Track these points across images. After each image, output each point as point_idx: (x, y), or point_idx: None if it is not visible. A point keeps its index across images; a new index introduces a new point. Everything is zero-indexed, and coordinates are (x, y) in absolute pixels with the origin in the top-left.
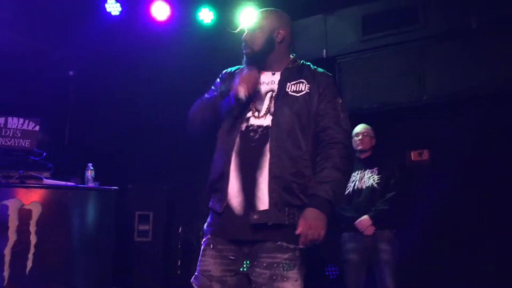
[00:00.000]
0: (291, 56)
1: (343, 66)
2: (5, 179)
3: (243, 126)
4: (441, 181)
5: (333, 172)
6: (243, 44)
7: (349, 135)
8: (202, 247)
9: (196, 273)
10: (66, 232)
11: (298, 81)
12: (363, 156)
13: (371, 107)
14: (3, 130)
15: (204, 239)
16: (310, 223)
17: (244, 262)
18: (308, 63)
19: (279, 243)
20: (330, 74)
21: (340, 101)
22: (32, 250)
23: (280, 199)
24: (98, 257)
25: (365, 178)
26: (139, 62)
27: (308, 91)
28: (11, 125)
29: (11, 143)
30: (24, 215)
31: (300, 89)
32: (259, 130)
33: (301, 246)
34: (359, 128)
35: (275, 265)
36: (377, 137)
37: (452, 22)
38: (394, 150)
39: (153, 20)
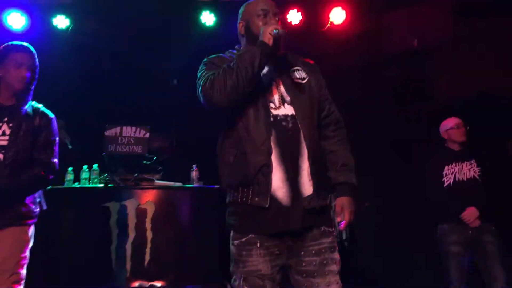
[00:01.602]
0: None
1: (434, 57)
2: (122, 182)
3: (270, 115)
4: None
5: (351, 157)
6: (278, 29)
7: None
8: (242, 247)
9: (243, 276)
10: (177, 228)
11: (295, 68)
12: (459, 148)
13: (467, 96)
14: (119, 138)
15: (243, 239)
16: (351, 211)
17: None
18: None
19: (322, 228)
20: (312, 60)
21: (324, 81)
22: (149, 245)
23: (319, 182)
24: (206, 250)
25: (464, 170)
26: None
27: (308, 77)
28: (126, 134)
29: (126, 150)
30: (141, 213)
31: (302, 77)
32: (288, 119)
33: (342, 229)
34: (457, 120)
35: (323, 250)
36: (474, 127)
37: None
38: (492, 140)
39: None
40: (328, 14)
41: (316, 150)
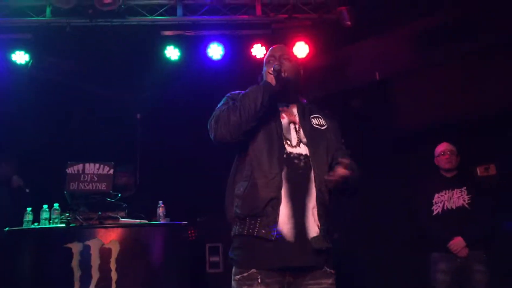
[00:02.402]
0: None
1: (397, 86)
2: (85, 221)
3: (284, 152)
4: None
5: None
6: (277, 70)
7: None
8: (243, 282)
9: None
10: (144, 267)
11: (315, 115)
12: (449, 175)
13: (429, 124)
14: (82, 175)
15: (245, 274)
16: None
17: None
18: (312, 104)
19: (324, 269)
20: (335, 116)
21: (343, 140)
22: (113, 286)
23: (325, 225)
24: None
25: (454, 198)
26: (200, 99)
27: (327, 126)
28: (89, 171)
29: (89, 187)
30: (105, 253)
31: (321, 123)
32: (301, 157)
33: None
34: (444, 146)
35: None
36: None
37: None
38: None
39: (209, 60)
40: (292, 48)
41: (324, 193)
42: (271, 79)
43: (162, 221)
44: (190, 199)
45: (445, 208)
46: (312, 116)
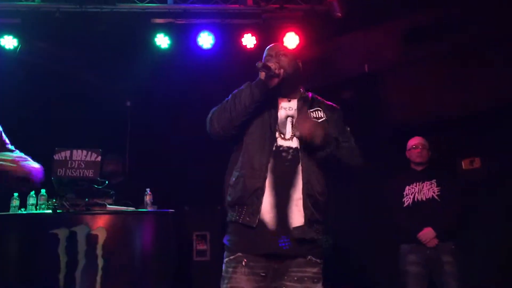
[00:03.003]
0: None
1: (385, 80)
2: (72, 207)
3: (274, 145)
4: (494, 189)
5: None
6: (272, 65)
7: (361, 155)
8: (229, 264)
9: None
10: (130, 254)
11: (315, 109)
12: (420, 168)
13: (416, 119)
14: (69, 162)
15: (231, 256)
16: (310, 127)
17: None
18: (315, 95)
19: (309, 257)
20: (338, 107)
21: (348, 129)
22: (100, 272)
23: (312, 216)
24: (161, 276)
25: (424, 190)
26: (190, 88)
27: (325, 118)
28: (76, 157)
29: (77, 174)
30: (91, 240)
31: (319, 116)
32: (290, 151)
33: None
34: (416, 140)
35: (306, 278)
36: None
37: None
38: (443, 160)
39: (199, 48)
40: (282, 39)
41: (314, 185)
42: (262, 76)
43: (149, 208)
44: (178, 188)
45: (415, 199)
46: (311, 109)
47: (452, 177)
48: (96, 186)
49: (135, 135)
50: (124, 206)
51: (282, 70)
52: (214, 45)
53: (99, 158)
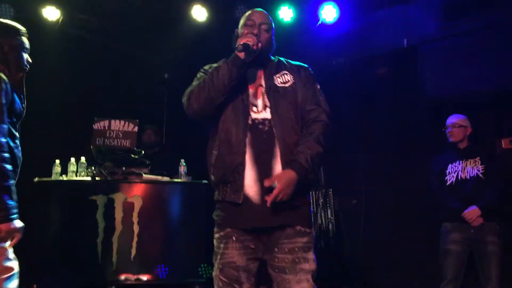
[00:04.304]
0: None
1: (425, 55)
2: (110, 175)
3: (249, 119)
4: None
5: (314, 144)
6: (251, 41)
7: (330, 114)
8: (220, 240)
9: (219, 266)
10: (164, 222)
11: (282, 73)
12: (461, 146)
13: (455, 95)
14: (107, 132)
15: (222, 233)
16: (288, 183)
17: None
18: (282, 58)
19: (298, 228)
20: (306, 65)
21: (318, 86)
22: (135, 239)
23: None
24: (193, 245)
25: (468, 168)
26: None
27: (293, 81)
28: (114, 127)
29: (114, 143)
30: (128, 207)
31: (286, 80)
32: (266, 122)
33: (269, 200)
34: (453, 119)
35: (296, 248)
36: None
37: None
38: (482, 138)
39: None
40: (320, 12)
41: (290, 152)
42: (241, 55)
43: (183, 179)
44: None
45: (459, 178)
46: (277, 74)
47: (495, 155)
48: (132, 155)
49: (172, 107)
50: (159, 176)
51: (259, 45)
52: None
53: (136, 129)
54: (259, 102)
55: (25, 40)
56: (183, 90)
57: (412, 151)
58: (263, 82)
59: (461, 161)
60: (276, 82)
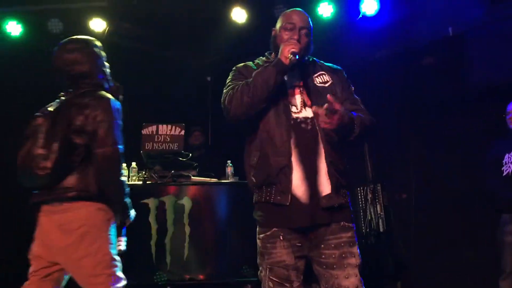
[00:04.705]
0: None
1: (472, 42)
2: (160, 179)
3: (290, 119)
4: None
5: (367, 116)
6: (296, 49)
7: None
8: (267, 240)
9: (268, 266)
10: (214, 222)
11: (320, 73)
12: None
13: (505, 82)
14: (156, 136)
15: (268, 232)
16: (345, 112)
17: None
18: (315, 58)
19: (342, 223)
20: (340, 68)
21: (353, 88)
22: (187, 239)
23: (338, 182)
24: (244, 245)
25: None
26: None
27: (332, 81)
28: (162, 132)
29: (163, 147)
30: (179, 209)
31: (325, 80)
32: (308, 121)
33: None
34: (511, 106)
35: (342, 244)
36: None
37: None
38: None
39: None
40: (360, 5)
41: (333, 152)
42: (285, 58)
43: (230, 180)
44: None
45: None
46: (315, 75)
47: None
48: (180, 158)
49: (216, 109)
50: (207, 177)
51: (300, 51)
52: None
53: (183, 132)
54: (298, 102)
55: None
56: None
57: (462, 142)
58: (300, 82)
59: None
60: (315, 82)
